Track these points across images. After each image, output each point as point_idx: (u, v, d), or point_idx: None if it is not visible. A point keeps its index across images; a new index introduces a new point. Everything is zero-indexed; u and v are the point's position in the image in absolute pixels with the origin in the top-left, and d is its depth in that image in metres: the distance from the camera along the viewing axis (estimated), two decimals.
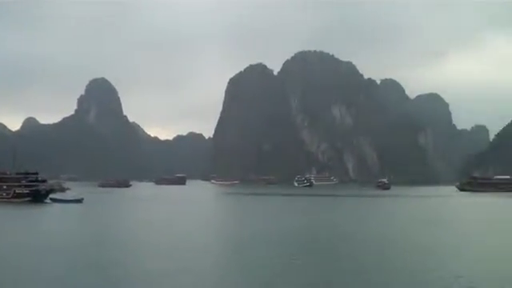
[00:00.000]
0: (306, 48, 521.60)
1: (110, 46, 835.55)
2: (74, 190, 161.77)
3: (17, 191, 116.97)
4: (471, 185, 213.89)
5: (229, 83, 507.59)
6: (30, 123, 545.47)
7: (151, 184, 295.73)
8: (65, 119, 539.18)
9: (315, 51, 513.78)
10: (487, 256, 38.24)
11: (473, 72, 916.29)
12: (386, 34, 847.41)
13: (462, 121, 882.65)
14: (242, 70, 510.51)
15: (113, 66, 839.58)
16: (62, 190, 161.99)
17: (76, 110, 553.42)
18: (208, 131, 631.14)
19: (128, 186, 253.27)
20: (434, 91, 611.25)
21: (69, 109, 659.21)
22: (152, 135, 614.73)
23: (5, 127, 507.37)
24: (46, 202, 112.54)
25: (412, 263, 34.81)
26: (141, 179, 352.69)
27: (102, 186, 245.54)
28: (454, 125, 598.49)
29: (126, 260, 36.83)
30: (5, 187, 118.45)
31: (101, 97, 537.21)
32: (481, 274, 31.76)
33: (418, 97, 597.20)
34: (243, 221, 69.21)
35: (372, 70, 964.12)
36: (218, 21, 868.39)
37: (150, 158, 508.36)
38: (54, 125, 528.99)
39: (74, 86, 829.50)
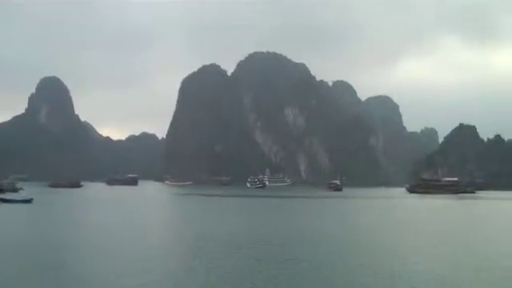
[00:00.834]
0: (260, 49, 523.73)
1: (61, 45, 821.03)
2: (24, 190, 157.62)
3: None
4: (420, 187, 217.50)
5: (182, 83, 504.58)
6: None
7: (103, 185, 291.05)
8: (15, 118, 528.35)
9: (268, 52, 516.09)
10: (437, 257, 38.21)
11: (423, 75, 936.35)
12: (339, 36, 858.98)
13: (412, 123, 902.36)
14: (196, 70, 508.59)
15: (65, 65, 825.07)
16: (15, 190, 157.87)
17: (26, 109, 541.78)
18: (161, 131, 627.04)
19: (79, 186, 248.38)
20: (385, 94, 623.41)
21: (19, 108, 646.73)
22: (104, 135, 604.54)
23: None
24: None
25: (360, 264, 34.47)
26: (92, 179, 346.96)
27: (53, 186, 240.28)
28: (404, 127, 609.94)
29: (70, 262, 35.44)
30: None
31: (52, 95, 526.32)
32: (423, 274, 31.59)
33: (369, 99, 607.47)
34: (190, 222, 67.87)
35: (324, 71, 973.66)
36: (172, 20, 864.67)
37: (101, 159, 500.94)
38: (4, 124, 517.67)
39: (25, 85, 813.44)
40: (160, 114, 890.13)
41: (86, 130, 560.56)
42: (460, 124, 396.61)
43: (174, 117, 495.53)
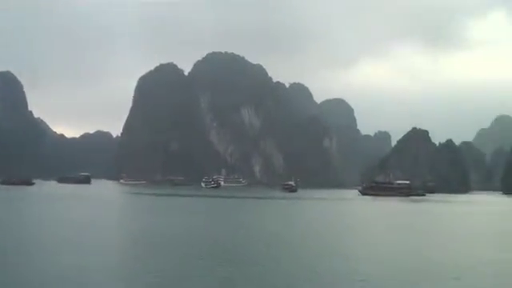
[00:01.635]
0: (218, 49, 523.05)
1: (15, 38, 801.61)
2: None
3: None
4: (372, 189, 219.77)
5: (138, 81, 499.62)
6: None
7: (54, 183, 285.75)
8: None
9: (226, 52, 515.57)
10: (387, 257, 39.07)
11: (378, 79, 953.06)
12: (297, 38, 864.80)
13: (367, 127, 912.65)
14: (153, 68, 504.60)
15: (18, 59, 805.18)
16: None
17: None
18: (116, 130, 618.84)
19: (31, 184, 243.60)
20: (340, 97, 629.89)
21: None
22: (58, 132, 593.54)
23: None
24: None
25: (311, 265, 34.91)
26: (45, 177, 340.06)
27: (4, 183, 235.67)
28: (358, 130, 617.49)
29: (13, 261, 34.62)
30: None
31: (5, 90, 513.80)
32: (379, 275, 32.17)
33: (325, 102, 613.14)
34: (132, 222, 67.20)
35: (281, 73, 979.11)
36: (130, 18, 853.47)
37: (55, 156, 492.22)
38: None
39: None
40: (115, 112, 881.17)
41: (39, 126, 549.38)
42: (413, 128, 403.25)
43: (129, 115, 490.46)
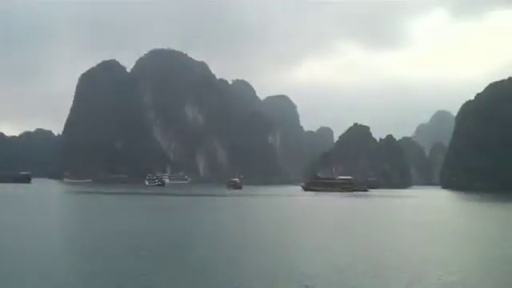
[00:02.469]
0: (161, 46, 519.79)
1: None
2: None
3: None
4: (315, 185, 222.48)
5: (80, 79, 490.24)
6: None
7: None
8: None
9: (169, 49, 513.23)
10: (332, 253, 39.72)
11: (322, 77, 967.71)
12: (241, 36, 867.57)
13: (311, 123, 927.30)
14: (95, 65, 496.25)
15: None
16: None
17: None
18: (58, 128, 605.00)
19: None
20: (284, 94, 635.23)
21: None
22: None
23: None
24: None
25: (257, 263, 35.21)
26: None
27: None
28: (301, 127, 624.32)
29: None
30: None
31: None
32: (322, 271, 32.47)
33: (268, 98, 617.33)
34: (68, 221, 66.37)
35: (225, 70, 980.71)
36: (73, 14, 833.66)
37: None
38: None
39: None
40: (57, 110, 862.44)
41: None
42: (354, 124, 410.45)
43: (71, 113, 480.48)
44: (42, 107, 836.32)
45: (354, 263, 34.66)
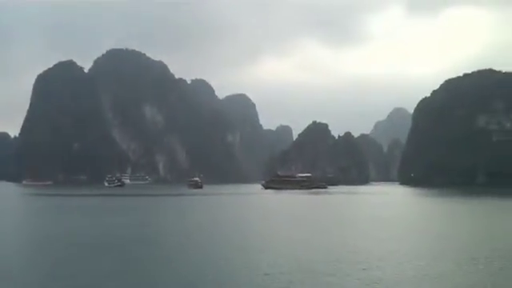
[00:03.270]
0: (119, 46, 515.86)
1: None
2: None
3: None
4: (275, 183, 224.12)
5: (36, 80, 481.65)
6: None
7: None
8: None
9: (127, 49, 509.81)
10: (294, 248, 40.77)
11: (282, 75, 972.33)
12: (199, 35, 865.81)
13: (270, 121, 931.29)
14: (51, 66, 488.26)
15: None
16: None
17: None
18: (14, 130, 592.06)
19: None
20: (243, 92, 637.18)
21: None
22: None
23: None
24: None
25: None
26: None
27: None
28: (260, 125, 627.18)
29: None
30: None
31: None
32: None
33: (227, 97, 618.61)
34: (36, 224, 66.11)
35: (183, 70, 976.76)
36: (32, 15, 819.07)
37: None
38: None
39: None
40: (12, 111, 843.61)
41: None
42: (313, 121, 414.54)
43: (28, 114, 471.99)
44: None
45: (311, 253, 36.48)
